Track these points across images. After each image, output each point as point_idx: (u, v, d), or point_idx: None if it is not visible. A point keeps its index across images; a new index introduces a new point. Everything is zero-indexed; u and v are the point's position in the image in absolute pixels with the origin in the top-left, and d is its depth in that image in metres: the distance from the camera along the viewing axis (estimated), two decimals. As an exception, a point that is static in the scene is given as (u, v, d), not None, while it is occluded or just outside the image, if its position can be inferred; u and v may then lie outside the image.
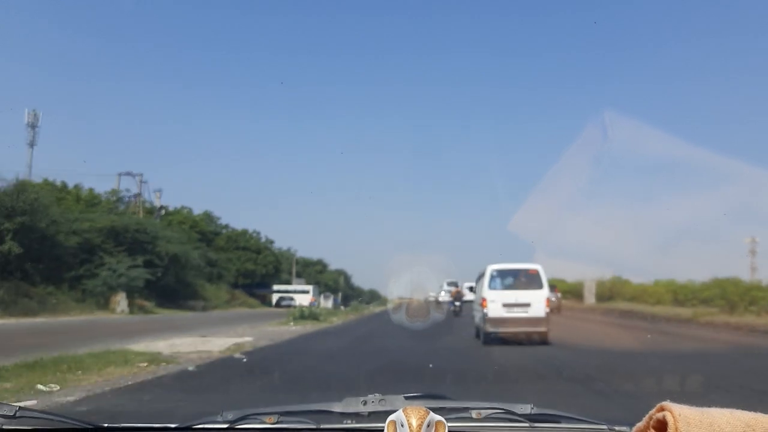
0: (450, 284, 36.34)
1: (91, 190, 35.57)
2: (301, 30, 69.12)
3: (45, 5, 54.93)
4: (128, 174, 40.89)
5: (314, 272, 65.57)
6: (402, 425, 0.85)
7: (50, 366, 7.56)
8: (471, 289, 24.87)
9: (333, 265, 71.36)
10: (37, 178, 33.75)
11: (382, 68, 72.85)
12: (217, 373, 7.75)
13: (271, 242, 54.17)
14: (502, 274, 14.25)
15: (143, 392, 6.55)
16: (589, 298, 29.45)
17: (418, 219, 70.37)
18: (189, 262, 33.64)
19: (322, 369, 8.76)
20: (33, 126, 41.29)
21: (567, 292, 31.71)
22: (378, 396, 1.60)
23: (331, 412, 1.59)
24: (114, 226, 29.08)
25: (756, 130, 50.09)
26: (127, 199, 40.28)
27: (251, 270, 49.31)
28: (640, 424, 0.93)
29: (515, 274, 14.21)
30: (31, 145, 40.22)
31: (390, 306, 35.03)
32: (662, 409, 0.89)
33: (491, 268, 14.22)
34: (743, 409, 0.90)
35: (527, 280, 13.87)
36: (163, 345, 11.26)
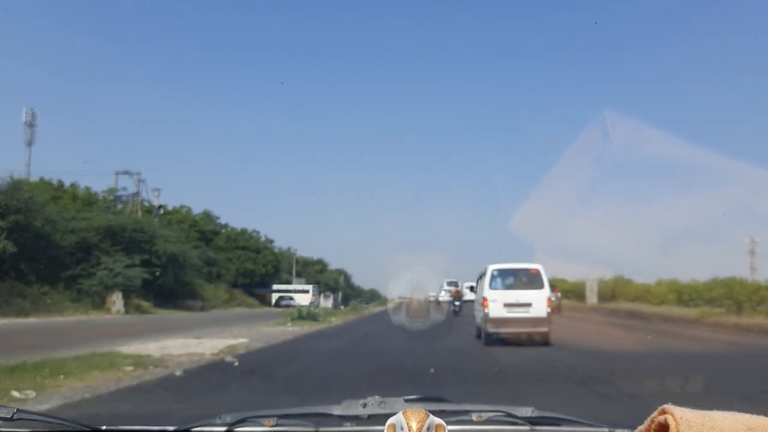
0: (450, 284, 36.19)
1: (87, 188, 35.35)
2: (301, 30, 69.07)
3: (44, 4, 54.74)
4: (126, 173, 40.61)
5: (314, 272, 65.37)
6: (402, 428, 0.84)
7: (31, 370, 7.26)
8: (472, 288, 24.72)
9: (333, 264, 71.22)
10: (35, 178, 33.64)
11: (382, 68, 72.76)
12: (206, 377, 7.45)
13: (271, 242, 53.98)
14: (503, 273, 14.14)
15: (125, 399, 6.24)
16: (591, 298, 29.09)
17: (418, 219, 70.16)
18: (187, 262, 33.35)
19: (318, 373, 8.44)
20: (31, 125, 41.20)
21: (568, 292, 31.59)
22: (378, 398, 1.58)
23: (331, 415, 1.57)
24: (111, 225, 28.78)
25: (756, 130, 49.89)
26: (124, 198, 40.01)
27: (251, 269, 49.05)
28: (641, 427, 0.92)
29: (516, 273, 14.13)
30: (29, 144, 40.12)
31: (390, 306, 34.89)
32: (664, 412, 0.88)
33: (492, 268, 14.10)
34: (748, 412, 0.88)
35: (528, 279, 13.80)
36: (154, 347, 10.95)
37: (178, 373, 7.46)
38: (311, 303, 46.44)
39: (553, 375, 8.74)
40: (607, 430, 1.49)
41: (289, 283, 54.10)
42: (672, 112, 51.56)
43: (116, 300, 24.93)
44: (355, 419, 1.57)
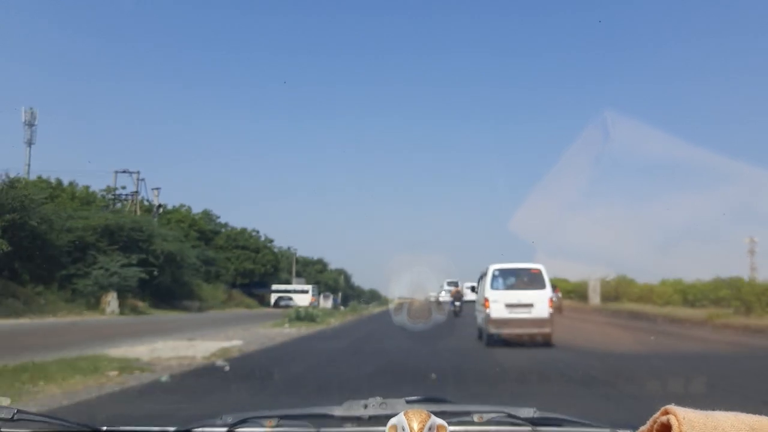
0: (450, 284, 36.08)
1: (86, 187, 35.02)
2: (300, 30, 68.86)
3: (43, 4, 54.56)
4: (125, 172, 40.36)
5: (314, 272, 65.12)
6: (403, 429, 0.85)
7: (10, 375, 6.94)
8: (473, 289, 24.50)
9: (333, 264, 70.96)
10: (35, 177, 33.43)
11: (383, 68, 72.55)
12: (193, 383, 7.13)
13: (271, 241, 53.67)
14: (505, 273, 14.06)
15: (103, 407, 5.92)
16: (594, 299, 28.76)
17: (418, 218, 69.96)
18: (185, 261, 33.03)
19: (315, 378, 8.12)
20: (30, 124, 41.10)
21: (570, 292, 31.34)
22: (379, 399, 1.58)
23: (332, 416, 1.57)
24: (108, 224, 28.46)
25: (756, 130, 49.66)
26: (123, 197, 39.76)
27: (250, 269, 48.74)
28: (643, 428, 0.92)
29: (518, 273, 14.05)
30: (29, 143, 40.00)
31: (391, 306, 34.79)
32: (666, 413, 0.88)
33: (493, 268, 14.01)
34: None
35: (530, 280, 13.73)
36: (143, 350, 10.64)
37: (164, 378, 7.14)
38: (312, 304, 46.20)
39: (560, 382, 8.43)
40: (609, 430, 1.48)
41: (288, 283, 53.83)
42: (672, 112, 51.46)
43: (111, 300, 24.55)
44: (357, 420, 1.57)
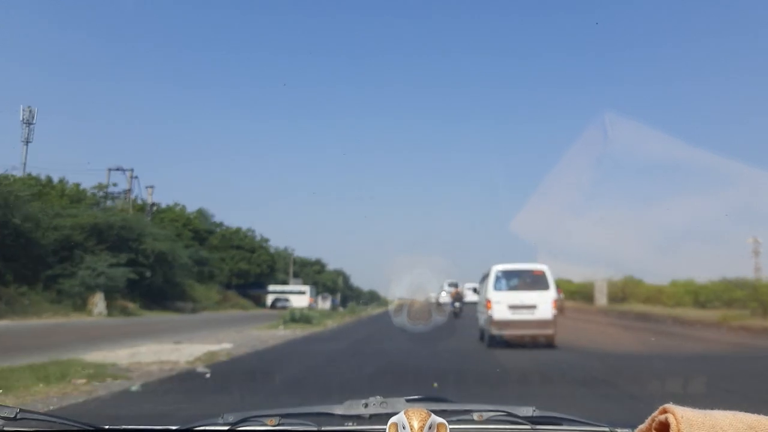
0: (450, 285, 35.96)
1: (76, 185, 34.36)
2: (300, 30, 68.38)
3: (40, 2, 54.17)
4: (119, 169, 39.86)
5: (312, 272, 64.62)
6: (403, 427, 0.86)
7: (-34, 382, 6.36)
8: (475, 290, 24.34)
9: (331, 265, 70.46)
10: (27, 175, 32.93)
11: (382, 68, 72.15)
12: (165, 393, 6.56)
13: (266, 241, 53.05)
14: (508, 274, 14.02)
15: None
16: (601, 300, 28.28)
17: (418, 219, 69.45)
18: (176, 261, 32.43)
19: (306, 387, 7.53)
20: (28, 123, 40.76)
21: (575, 293, 31.15)
22: (379, 398, 1.60)
23: (333, 415, 1.59)
24: (97, 223, 27.82)
25: (756, 130, 49.46)
26: (116, 195, 39.23)
27: (245, 270, 48.16)
28: (642, 427, 0.93)
29: (521, 274, 14.06)
30: (26, 142, 39.63)
31: (390, 308, 34.57)
32: (665, 411, 0.88)
33: (496, 269, 13.97)
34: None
35: (533, 281, 13.70)
36: (123, 354, 10.07)
37: (134, 387, 6.57)
38: (310, 305, 45.74)
39: (566, 389, 7.97)
40: (607, 429, 1.50)
41: (285, 283, 53.35)
42: (672, 112, 51.25)
43: (98, 301, 23.92)
44: (357, 419, 1.58)
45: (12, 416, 1.35)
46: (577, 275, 30.63)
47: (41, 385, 6.47)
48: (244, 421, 1.53)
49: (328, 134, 72.29)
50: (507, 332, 13.26)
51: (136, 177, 39.03)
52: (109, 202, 37.59)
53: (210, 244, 46.58)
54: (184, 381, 7.61)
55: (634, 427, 0.98)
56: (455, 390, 7.21)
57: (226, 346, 12.73)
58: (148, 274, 30.20)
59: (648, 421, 0.92)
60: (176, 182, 68.31)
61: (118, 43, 60.36)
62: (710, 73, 57.45)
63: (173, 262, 31.98)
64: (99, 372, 7.56)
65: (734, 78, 56.72)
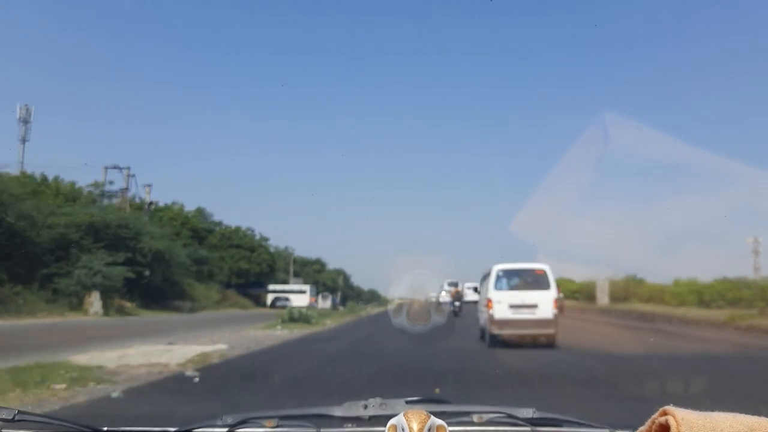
0: (450, 284, 35.99)
1: (72, 183, 34.11)
2: (300, 30, 68.15)
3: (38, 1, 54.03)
4: (115, 167, 39.63)
5: (312, 272, 64.44)
6: (403, 429, 0.87)
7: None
8: (475, 289, 24.29)
9: (332, 264, 70.25)
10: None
11: (383, 68, 71.93)
12: (147, 400, 6.28)
13: (266, 240, 52.78)
14: (509, 274, 14.03)
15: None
16: (602, 299, 28.04)
17: (419, 219, 69.30)
18: (174, 260, 32.15)
19: (300, 392, 7.25)
20: (25, 121, 40.66)
21: (576, 292, 31.10)
22: (379, 400, 1.60)
23: (332, 416, 1.59)
24: (94, 222, 27.53)
25: (756, 130, 49.27)
26: (113, 193, 38.98)
27: (245, 269, 47.91)
28: (642, 429, 0.94)
29: (522, 274, 14.06)
30: (23, 140, 39.49)
31: (390, 307, 34.48)
32: (665, 413, 0.89)
33: (497, 268, 13.97)
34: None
35: (534, 280, 13.71)
36: (112, 356, 9.80)
37: (115, 394, 6.28)
38: (311, 304, 45.53)
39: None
40: (608, 430, 1.50)
41: (286, 283, 53.15)
42: (672, 113, 51.13)
43: (94, 301, 23.62)
44: (357, 420, 1.59)
45: (10, 418, 1.35)
46: (578, 275, 30.71)
47: (18, 390, 6.20)
48: (242, 422, 1.53)
49: (328, 134, 72.14)
50: (508, 332, 13.24)
51: (133, 175, 38.83)
52: (106, 201, 37.36)
53: (209, 243, 46.35)
54: (171, 386, 7.33)
55: (634, 428, 0.99)
56: (455, 391, 7.14)
57: (221, 347, 12.46)
58: (146, 273, 29.93)
59: (648, 423, 0.92)
60: (176, 182, 68.21)
61: (118, 43, 60.27)
62: (710, 73, 57.35)
63: (171, 261, 31.72)
64: (82, 376, 7.28)
65: (734, 78, 56.61)
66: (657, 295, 25.89)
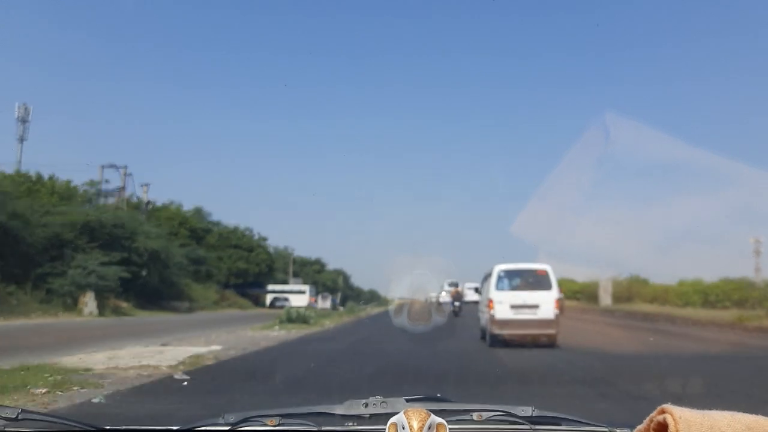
0: (450, 284, 35.97)
1: (67, 182, 33.77)
2: (300, 30, 67.98)
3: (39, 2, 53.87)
4: (112, 166, 39.34)
5: (312, 272, 64.20)
6: (403, 427, 0.87)
7: None
8: (476, 290, 24.18)
9: (332, 264, 69.97)
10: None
11: (383, 68, 71.78)
12: (131, 405, 5.97)
13: (264, 239, 52.49)
14: (510, 274, 14.09)
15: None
16: (605, 300, 27.73)
17: (419, 219, 69.13)
18: (171, 260, 31.83)
19: (294, 397, 6.92)
20: (23, 120, 40.48)
21: (577, 292, 30.82)
22: (379, 398, 1.61)
23: (333, 415, 1.60)
24: (89, 221, 27.24)
25: (756, 130, 49.17)
26: (109, 192, 38.67)
27: (243, 269, 47.62)
28: (640, 427, 0.94)
29: (523, 274, 14.08)
30: (21, 140, 39.28)
31: (391, 308, 34.36)
32: (663, 412, 0.89)
33: (498, 268, 14.03)
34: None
35: (536, 280, 13.72)
36: (101, 357, 9.49)
37: (96, 399, 5.96)
38: (311, 304, 45.27)
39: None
40: (606, 429, 1.51)
41: (285, 283, 52.90)
42: (673, 113, 51.07)
43: (88, 301, 23.29)
44: (357, 419, 1.60)
45: (13, 416, 1.37)
46: (579, 275, 30.69)
47: (-5, 395, 5.88)
48: (244, 421, 1.54)
49: (328, 134, 71.96)
50: (509, 332, 13.26)
51: (130, 174, 38.56)
52: (102, 200, 37.05)
53: (207, 243, 46.06)
54: (159, 389, 7.01)
55: (632, 427, 0.97)
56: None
57: (215, 348, 12.14)
58: (143, 273, 29.65)
59: (646, 421, 0.92)
60: (175, 181, 68.05)
61: (118, 43, 60.11)
62: (710, 73, 57.29)
63: (168, 261, 31.45)
64: (67, 379, 6.96)
65: (734, 78, 56.50)
66: (661, 295, 25.70)
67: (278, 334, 17.59)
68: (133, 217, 31.71)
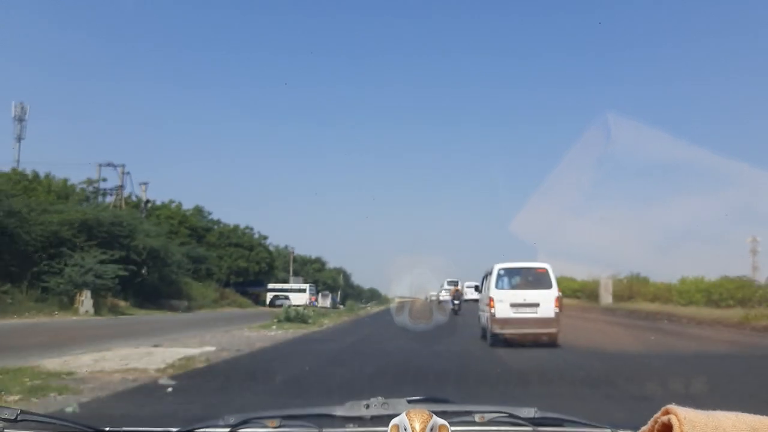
0: (450, 283, 35.93)
1: (64, 180, 33.48)
2: (300, 30, 67.85)
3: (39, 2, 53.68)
4: (110, 165, 39.05)
5: (312, 270, 64.00)
6: (405, 429, 0.87)
7: None
8: (477, 288, 24.04)
9: (332, 263, 69.70)
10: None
11: (383, 69, 71.67)
12: (107, 415, 5.66)
13: (265, 238, 52.24)
14: (510, 273, 14.01)
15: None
16: (606, 298, 27.49)
17: (419, 218, 69.00)
18: (170, 258, 31.48)
19: (288, 404, 6.57)
20: (20, 119, 40.25)
21: (577, 291, 30.65)
22: (381, 399, 1.59)
23: (334, 416, 1.59)
24: (86, 219, 26.91)
25: (757, 130, 48.92)
26: (109, 191, 38.40)
27: (243, 267, 47.35)
28: (644, 428, 0.94)
29: (523, 273, 14.06)
30: (19, 138, 39.05)
31: (392, 306, 34.31)
32: (667, 412, 0.90)
33: (498, 267, 13.91)
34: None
35: (536, 279, 13.71)
36: (87, 360, 9.18)
37: (70, 408, 5.62)
38: (311, 303, 45.02)
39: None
40: (609, 430, 1.50)
41: (285, 281, 52.69)
42: (672, 112, 50.81)
43: (84, 300, 22.93)
44: (359, 420, 1.59)
45: (13, 418, 1.36)
46: (578, 274, 30.66)
47: (-37, 401, 5.55)
48: (244, 422, 1.53)
49: (329, 134, 71.77)
50: (509, 331, 13.21)
51: (128, 173, 38.23)
52: (100, 199, 36.80)
53: (207, 241, 45.82)
54: (141, 396, 6.66)
55: (636, 428, 0.97)
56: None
57: (208, 349, 11.82)
58: (144, 271, 29.36)
59: (650, 422, 0.92)
60: (175, 181, 68.02)
61: (117, 43, 60.02)
62: (710, 73, 57.06)
63: (167, 259, 31.11)
64: (45, 384, 6.62)
65: (734, 78, 56.27)
66: (663, 293, 25.49)
67: (275, 334, 17.26)
68: (131, 216, 31.40)
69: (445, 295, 35.49)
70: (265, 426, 1.52)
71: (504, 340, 13.25)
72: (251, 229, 51.37)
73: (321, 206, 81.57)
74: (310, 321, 22.50)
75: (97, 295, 23.71)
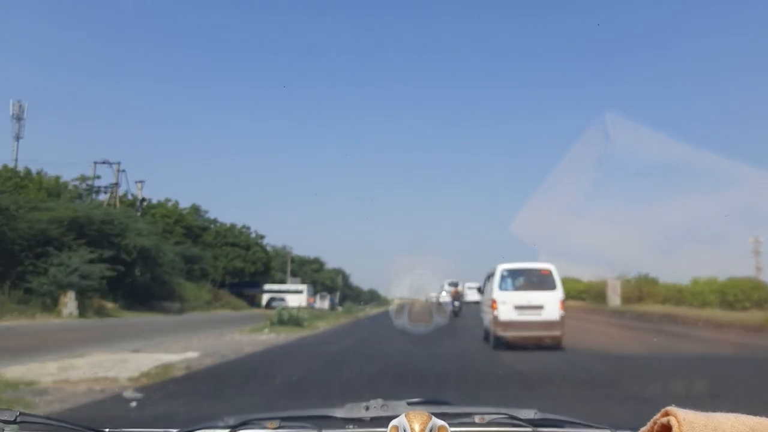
0: (450, 284, 35.42)
1: (56, 177, 32.81)
2: (300, 30, 67.34)
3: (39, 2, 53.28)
4: (105, 162, 38.48)
5: (310, 271, 63.34)
6: (404, 430, 0.87)
7: None
8: (479, 290, 23.46)
9: (330, 263, 69.09)
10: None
11: (382, 68, 71.19)
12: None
13: (262, 237, 51.50)
14: (513, 274, 13.80)
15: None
16: (614, 300, 26.88)
17: (419, 219, 68.42)
18: (161, 258, 30.72)
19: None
20: (18, 118, 39.82)
21: (583, 292, 30.05)
22: (380, 401, 1.60)
23: (334, 418, 1.60)
24: (77, 217, 26.17)
25: (757, 130, 48.54)
26: (103, 189, 37.81)
27: (240, 268, 46.65)
28: (644, 429, 0.95)
29: (527, 274, 13.86)
30: (17, 137, 38.55)
31: (391, 308, 33.69)
32: (667, 414, 0.90)
33: (501, 268, 13.74)
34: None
35: (539, 280, 13.53)
36: (53, 367, 8.47)
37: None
38: (310, 304, 44.36)
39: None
40: (609, 431, 1.51)
41: (283, 282, 51.96)
42: (672, 112, 50.48)
43: (68, 301, 22.17)
44: (358, 422, 1.59)
45: (12, 419, 1.35)
46: (579, 274, 30.24)
47: None
48: (244, 424, 1.52)
49: (328, 133, 71.28)
50: (513, 333, 13.04)
51: (124, 170, 37.64)
52: (94, 197, 36.19)
53: (203, 241, 45.18)
54: (100, 411, 5.95)
55: (636, 429, 0.99)
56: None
57: (191, 355, 11.10)
58: (137, 272, 28.66)
59: (650, 423, 0.92)
60: (173, 180, 67.38)
61: (117, 42, 59.61)
62: (710, 73, 56.64)
63: (159, 259, 30.35)
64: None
65: (734, 78, 55.92)
66: (674, 295, 24.99)
67: (267, 338, 16.56)
68: (125, 214, 30.68)
69: (445, 297, 35.05)
70: (264, 427, 1.52)
71: (507, 343, 13.07)
72: (248, 228, 50.76)
73: (320, 206, 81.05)
74: (304, 324, 21.81)
75: (82, 296, 22.92)
